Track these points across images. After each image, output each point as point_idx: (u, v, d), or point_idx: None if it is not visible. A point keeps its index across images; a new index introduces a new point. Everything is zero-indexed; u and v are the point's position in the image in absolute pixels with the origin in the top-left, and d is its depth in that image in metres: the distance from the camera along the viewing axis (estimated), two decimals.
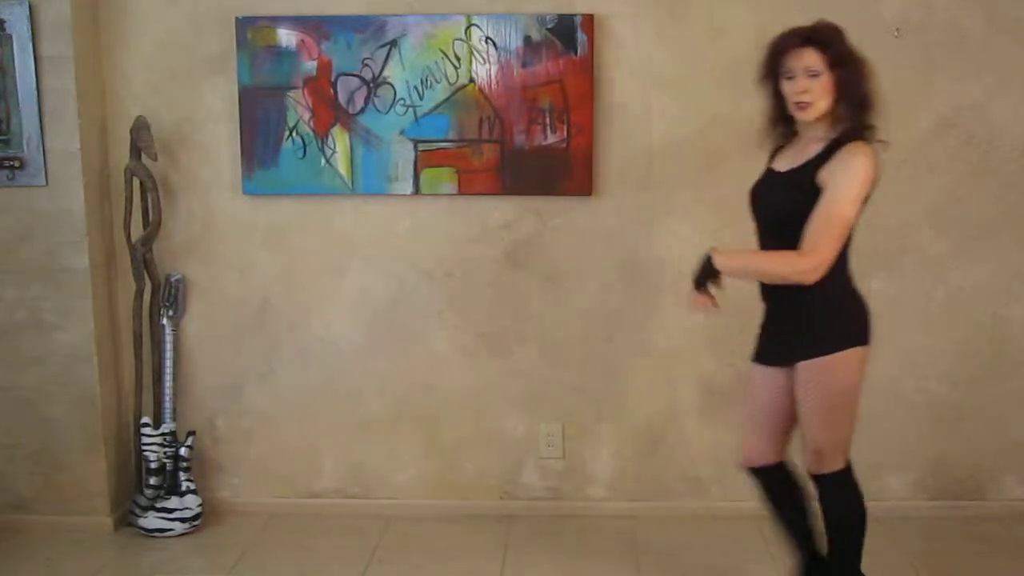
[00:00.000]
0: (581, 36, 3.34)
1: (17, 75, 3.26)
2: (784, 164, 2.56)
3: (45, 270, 3.37)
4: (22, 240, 3.36)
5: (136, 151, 3.40)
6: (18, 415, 3.45)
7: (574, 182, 3.42)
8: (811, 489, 2.72)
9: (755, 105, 3.37)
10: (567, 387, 3.58)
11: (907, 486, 3.60)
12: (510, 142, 3.41)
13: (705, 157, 3.44)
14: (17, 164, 3.30)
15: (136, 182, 3.43)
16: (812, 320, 2.49)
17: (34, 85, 3.26)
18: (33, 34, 3.23)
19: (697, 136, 3.43)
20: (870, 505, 3.64)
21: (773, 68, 2.50)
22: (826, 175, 2.39)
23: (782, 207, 2.49)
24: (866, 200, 2.44)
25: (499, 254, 3.52)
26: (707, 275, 2.57)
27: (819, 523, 2.71)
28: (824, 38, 2.43)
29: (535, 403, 3.60)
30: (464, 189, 3.45)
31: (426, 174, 3.45)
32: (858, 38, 3.33)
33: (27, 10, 3.21)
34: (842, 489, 2.62)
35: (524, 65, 3.37)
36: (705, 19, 3.39)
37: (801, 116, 2.46)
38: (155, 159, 3.41)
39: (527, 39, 3.36)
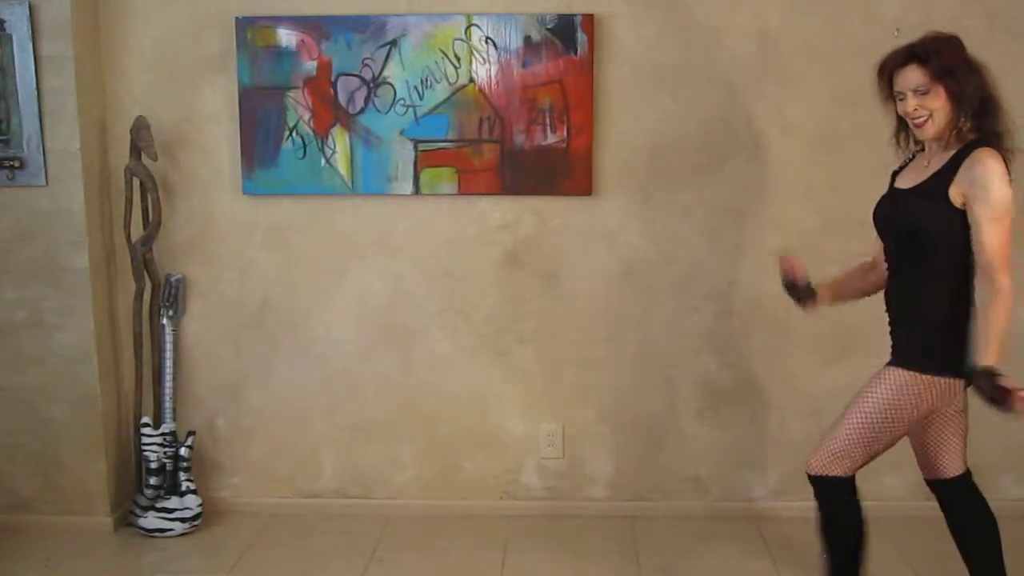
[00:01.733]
0: (581, 36, 3.34)
1: (17, 75, 3.25)
2: (908, 181, 2.51)
3: (45, 270, 3.37)
4: (22, 240, 3.36)
5: (136, 151, 3.40)
6: (18, 415, 3.45)
7: (574, 182, 3.42)
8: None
9: (755, 105, 3.40)
10: (567, 387, 3.58)
11: (907, 486, 3.59)
12: (510, 142, 3.41)
13: (705, 157, 3.44)
14: (17, 164, 3.30)
15: (136, 182, 3.43)
16: (928, 334, 2.45)
17: (34, 85, 3.25)
18: (33, 34, 3.23)
19: (697, 136, 3.43)
20: (870, 505, 3.65)
21: (887, 91, 2.47)
22: (963, 191, 2.33)
23: (913, 221, 2.43)
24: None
25: (499, 254, 3.52)
26: (997, 393, 2.32)
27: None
28: (925, 51, 2.38)
29: (535, 403, 3.60)
30: (464, 189, 3.45)
31: (426, 174, 3.45)
32: (858, 38, 3.36)
33: (27, 10, 3.21)
34: (838, 495, 2.61)
35: (524, 65, 3.37)
36: (705, 19, 3.39)
37: (921, 134, 2.43)
38: (155, 159, 3.41)
39: (527, 39, 3.36)
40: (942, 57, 2.37)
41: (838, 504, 2.63)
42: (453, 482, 3.66)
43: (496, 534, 3.47)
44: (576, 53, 3.35)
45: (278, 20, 3.40)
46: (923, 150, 2.54)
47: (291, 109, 3.43)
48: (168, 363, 3.52)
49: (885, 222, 2.56)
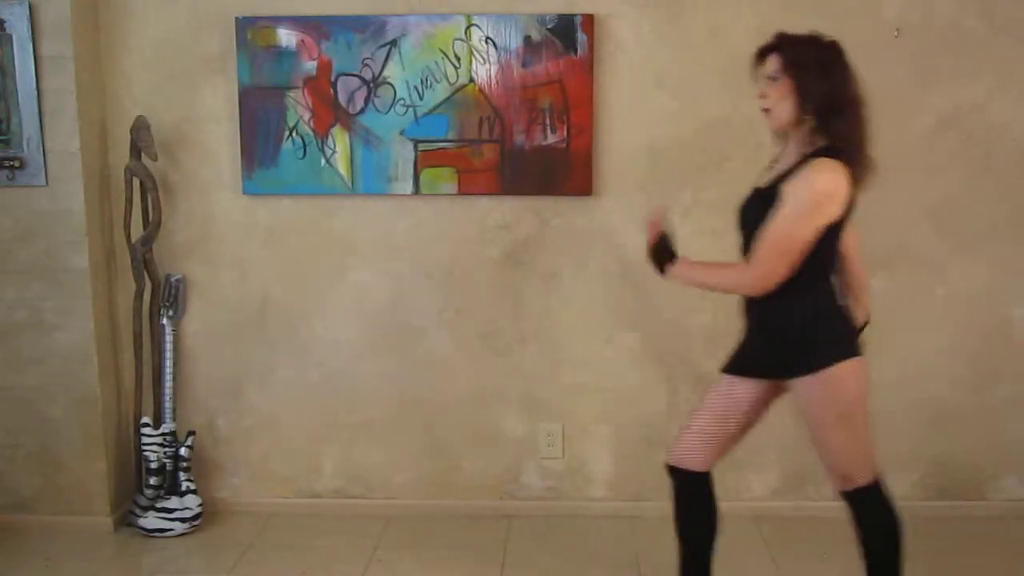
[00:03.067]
0: (581, 36, 3.34)
1: (17, 75, 3.26)
2: (764, 180, 2.52)
3: (45, 270, 3.37)
4: (22, 240, 3.36)
5: (136, 151, 3.40)
6: (18, 415, 3.45)
7: (574, 182, 3.42)
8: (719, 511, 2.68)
9: (755, 106, 3.39)
10: (567, 387, 3.58)
11: (907, 486, 3.60)
12: (510, 142, 3.41)
13: (705, 157, 3.44)
14: (17, 164, 3.30)
15: (136, 182, 3.43)
16: (804, 335, 2.44)
17: (34, 85, 3.26)
18: (33, 34, 3.23)
19: (697, 136, 3.43)
20: None
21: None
22: (787, 189, 2.34)
23: (753, 223, 2.44)
24: (837, 223, 2.38)
25: (499, 254, 3.52)
26: (659, 269, 2.56)
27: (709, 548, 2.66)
28: (786, 42, 2.38)
29: (535, 403, 3.60)
30: (464, 189, 3.45)
31: (426, 174, 3.45)
32: (858, 38, 3.35)
33: (27, 10, 3.21)
34: (871, 504, 2.57)
35: (524, 65, 3.37)
36: (705, 19, 3.39)
37: (769, 124, 2.43)
38: (155, 159, 3.41)
39: (527, 39, 3.36)
40: (798, 52, 2.36)
41: (881, 506, 2.61)
42: (453, 482, 3.66)
43: (496, 534, 3.47)
44: (576, 53, 3.35)
45: (278, 20, 3.40)
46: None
47: (291, 109, 3.43)
48: (168, 363, 3.52)
49: (739, 221, 2.55)
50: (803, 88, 2.34)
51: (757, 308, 2.51)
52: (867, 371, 2.49)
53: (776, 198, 2.36)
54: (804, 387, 2.46)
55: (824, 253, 2.41)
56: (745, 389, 2.58)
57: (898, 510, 2.61)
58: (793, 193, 2.32)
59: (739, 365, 2.60)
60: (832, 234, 2.40)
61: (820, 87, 2.33)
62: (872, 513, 2.58)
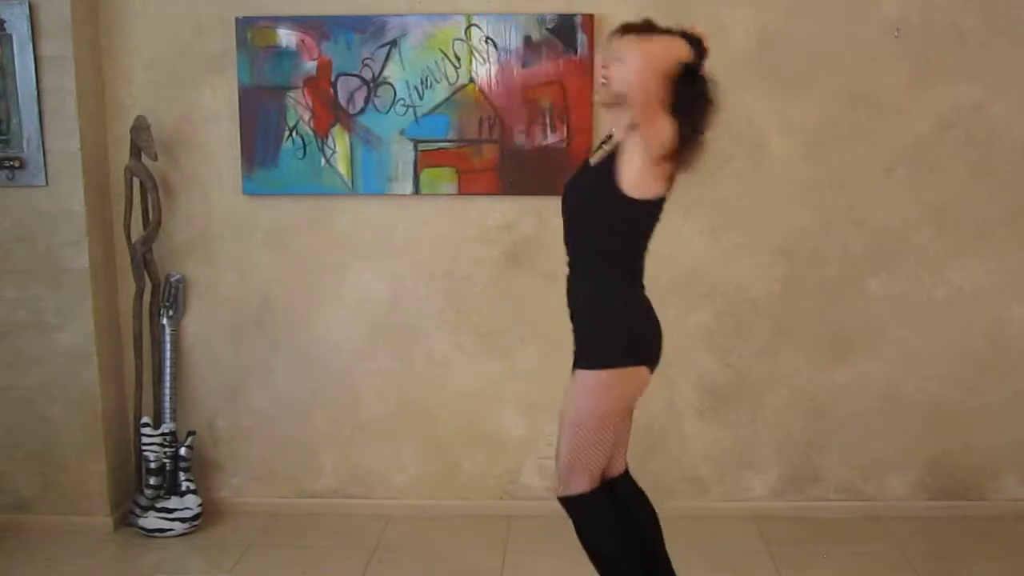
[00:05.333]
0: (581, 36, 3.34)
1: (17, 75, 3.26)
2: (595, 158, 2.48)
3: (45, 270, 3.37)
4: (22, 240, 3.36)
5: (136, 151, 3.40)
6: (18, 415, 3.45)
7: None
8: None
9: (755, 106, 3.39)
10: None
11: (907, 486, 3.60)
12: (510, 142, 3.41)
13: (705, 157, 3.43)
14: (17, 164, 3.30)
15: (136, 182, 3.43)
16: (603, 326, 2.41)
17: (34, 85, 3.26)
18: (33, 34, 3.23)
19: None
20: (870, 505, 3.66)
21: None
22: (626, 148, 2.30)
23: (582, 202, 2.42)
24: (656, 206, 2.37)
25: (499, 254, 3.52)
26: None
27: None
28: (636, 26, 2.33)
29: (535, 403, 3.60)
30: (464, 189, 3.45)
31: (426, 174, 3.45)
32: (858, 38, 3.36)
33: (27, 10, 3.21)
34: (586, 513, 2.48)
35: (524, 65, 3.37)
36: (705, 19, 3.36)
37: (597, 98, 2.39)
38: (155, 159, 3.41)
39: (527, 39, 3.36)
40: (642, 33, 2.32)
41: (592, 517, 2.49)
42: (453, 482, 3.66)
43: (496, 534, 3.47)
44: (576, 53, 3.35)
45: (278, 20, 3.40)
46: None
47: (291, 109, 3.43)
48: (168, 363, 3.52)
49: (565, 198, 2.50)
50: (627, 76, 2.28)
51: (584, 292, 2.47)
52: (629, 382, 2.43)
53: (609, 180, 2.31)
54: (583, 378, 2.42)
55: (637, 236, 2.39)
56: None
57: (613, 525, 2.51)
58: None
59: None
60: (645, 218, 2.36)
61: (647, 83, 2.25)
62: (592, 518, 2.49)
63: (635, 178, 2.31)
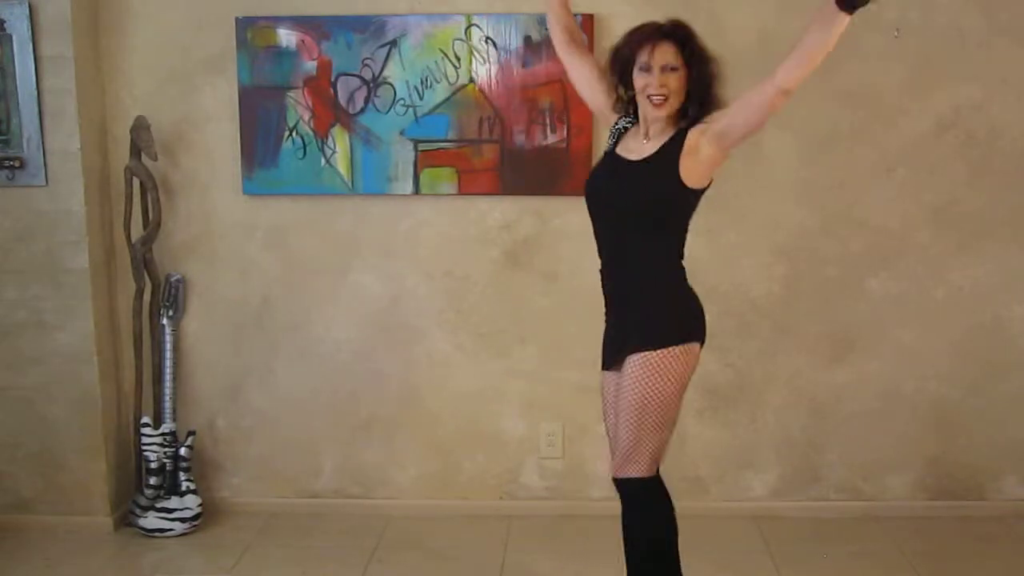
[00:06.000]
0: (581, 36, 3.33)
1: (17, 75, 3.25)
2: (632, 153, 2.47)
3: (45, 270, 3.37)
4: (22, 240, 3.36)
5: (136, 151, 3.40)
6: (18, 415, 3.45)
7: (574, 182, 3.41)
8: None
9: None
10: (567, 387, 3.58)
11: (907, 486, 3.60)
12: (510, 142, 3.41)
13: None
14: (17, 164, 3.30)
15: (136, 182, 3.43)
16: (664, 307, 2.47)
17: (34, 85, 3.25)
18: (33, 34, 3.23)
19: None
20: (870, 505, 3.67)
21: (627, 58, 2.43)
22: (706, 137, 2.34)
23: (640, 197, 2.43)
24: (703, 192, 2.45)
25: (499, 254, 3.52)
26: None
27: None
28: (683, 34, 2.39)
29: (535, 403, 3.60)
30: (464, 189, 3.45)
31: (426, 174, 3.45)
32: (858, 38, 3.36)
33: (27, 10, 3.21)
34: (645, 496, 2.51)
35: (524, 65, 3.37)
36: (705, 19, 3.38)
37: (655, 112, 2.40)
38: (155, 159, 3.41)
39: (527, 39, 3.36)
40: (694, 44, 2.39)
41: (650, 500, 2.52)
42: (453, 482, 3.66)
43: (496, 534, 3.47)
44: None
45: (278, 20, 3.40)
46: (632, 124, 2.52)
47: (291, 109, 3.43)
48: (168, 363, 3.52)
49: (604, 197, 2.51)
50: (700, 85, 2.39)
51: (641, 276, 2.50)
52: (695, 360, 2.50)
53: (671, 172, 2.36)
54: (646, 359, 2.44)
55: (687, 224, 2.48)
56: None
57: (672, 513, 2.53)
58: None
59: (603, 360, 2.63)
60: (696, 204, 2.46)
61: (713, 87, 2.40)
62: (647, 505, 2.53)
63: (704, 170, 2.39)
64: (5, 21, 3.23)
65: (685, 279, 2.53)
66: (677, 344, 2.43)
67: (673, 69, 2.37)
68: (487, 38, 3.37)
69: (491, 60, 3.38)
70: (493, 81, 3.39)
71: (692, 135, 2.36)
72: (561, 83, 3.36)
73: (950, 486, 3.59)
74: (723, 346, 3.52)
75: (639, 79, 2.41)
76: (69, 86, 3.27)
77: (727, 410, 3.58)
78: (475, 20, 3.36)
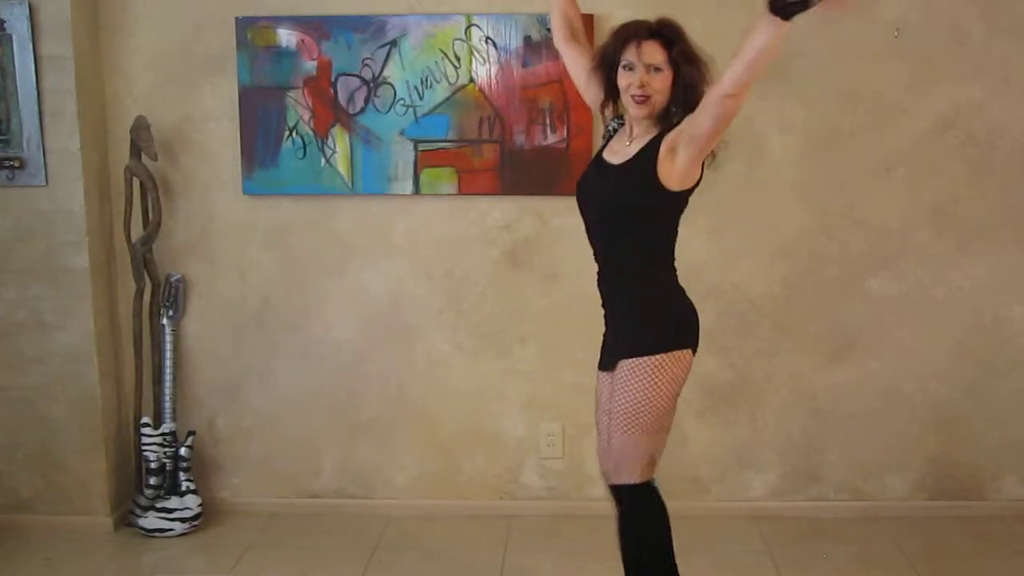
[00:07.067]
0: (582, 29, 3.33)
1: (17, 75, 3.25)
2: (615, 156, 2.45)
3: (45, 270, 3.37)
4: (22, 240, 3.36)
5: (136, 151, 3.40)
6: (18, 415, 3.45)
7: (574, 182, 3.35)
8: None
9: (755, 106, 3.39)
10: (567, 387, 3.58)
11: (907, 486, 3.60)
12: (510, 142, 3.41)
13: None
14: (17, 164, 3.30)
15: (136, 182, 3.43)
16: (653, 311, 2.44)
17: (34, 85, 3.25)
18: (33, 34, 3.23)
19: None
20: (870, 505, 3.67)
21: (612, 57, 2.40)
22: (674, 142, 2.28)
23: (619, 201, 2.41)
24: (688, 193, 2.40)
25: (499, 254, 3.52)
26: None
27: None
28: (671, 34, 2.35)
29: (535, 403, 3.60)
30: (464, 189, 3.45)
31: (426, 174, 3.45)
32: (858, 38, 3.36)
33: (27, 10, 3.21)
34: (640, 500, 2.50)
35: (524, 65, 3.37)
36: (704, 19, 3.38)
37: (636, 112, 2.36)
38: (155, 159, 3.41)
39: (527, 39, 3.36)
40: (683, 44, 2.35)
41: (646, 504, 2.51)
42: (453, 482, 3.66)
43: (496, 534, 3.47)
44: None
45: (278, 20, 3.40)
46: (623, 125, 2.49)
47: (291, 109, 3.43)
48: (168, 363, 3.52)
49: (593, 198, 2.49)
50: (686, 87, 2.34)
51: (627, 280, 2.48)
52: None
53: (646, 173, 2.32)
54: (637, 364, 2.42)
55: (675, 225, 2.45)
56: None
57: (666, 514, 2.51)
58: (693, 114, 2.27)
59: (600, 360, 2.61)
60: (683, 205, 2.43)
61: (699, 89, 2.33)
62: (645, 507, 2.51)
63: (682, 174, 2.34)
64: (5, 21, 3.23)
65: (676, 282, 2.50)
66: (665, 351, 2.40)
67: (658, 69, 2.33)
68: (487, 38, 3.37)
69: (491, 60, 3.38)
70: (493, 81, 3.39)
71: (669, 138, 2.32)
72: (561, 83, 3.36)
73: (950, 486, 3.59)
74: (723, 346, 3.53)
75: (623, 78, 2.38)
76: (69, 86, 3.27)
77: (727, 410, 3.58)
78: (475, 20, 3.36)
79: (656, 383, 2.40)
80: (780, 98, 3.39)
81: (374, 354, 3.59)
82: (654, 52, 2.33)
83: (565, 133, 3.39)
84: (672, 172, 2.33)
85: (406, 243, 3.53)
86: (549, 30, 3.31)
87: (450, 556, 3.31)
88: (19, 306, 3.40)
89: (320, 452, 3.66)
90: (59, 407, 3.44)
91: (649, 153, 2.35)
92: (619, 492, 2.52)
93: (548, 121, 3.39)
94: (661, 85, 2.34)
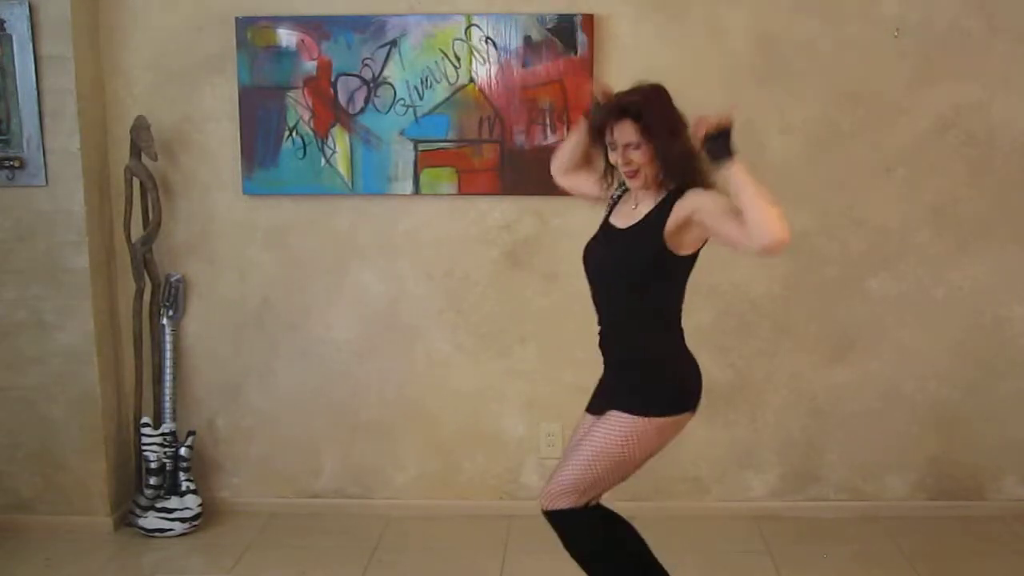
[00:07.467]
0: (581, 36, 3.34)
1: (17, 75, 3.25)
2: (621, 221, 2.48)
3: (45, 270, 3.37)
4: (22, 240, 3.36)
5: (136, 151, 3.40)
6: (18, 415, 3.45)
7: None
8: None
9: (755, 106, 3.39)
10: (567, 387, 3.57)
11: (907, 486, 3.60)
12: (510, 142, 3.41)
13: (705, 158, 3.43)
14: (17, 164, 3.30)
15: (136, 182, 3.43)
16: (648, 375, 2.45)
17: (34, 85, 3.25)
18: (33, 34, 3.23)
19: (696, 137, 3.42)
20: (870, 505, 3.67)
21: (601, 137, 2.44)
22: (682, 217, 2.31)
23: (629, 264, 2.42)
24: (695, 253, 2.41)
25: (499, 254, 3.52)
26: (716, 157, 2.28)
27: None
28: (637, 109, 2.35)
29: (535, 403, 3.60)
30: (464, 189, 3.45)
31: (426, 174, 3.45)
32: (858, 38, 3.36)
33: (27, 10, 3.21)
34: (573, 523, 2.52)
35: (524, 65, 3.37)
36: (705, 19, 3.39)
37: (632, 184, 2.41)
38: (155, 159, 3.41)
39: (527, 39, 3.36)
40: (650, 116, 2.34)
41: (580, 528, 2.53)
42: (453, 482, 3.66)
43: (496, 534, 3.47)
44: (576, 53, 3.35)
45: (278, 20, 3.40)
46: (627, 190, 2.51)
47: (291, 109, 3.43)
48: (168, 363, 3.52)
49: (596, 263, 2.52)
50: (665, 156, 2.34)
51: (627, 341, 2.49)
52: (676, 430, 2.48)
53: (651, 236, 2.34)
54: (620, 418, 2.42)
55: (681, 288, 2.46)
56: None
57: (603, 522, 2.55)
58: (703, 198, 2.30)
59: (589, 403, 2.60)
60: (692, 265, 2.44)
61: (676, 151, 2.34)
62: (580, 529, 2.54)
63: (693, 244, 2.38)
64: (5, 21, 3.23)
65: (682, 344, 2.51)
66: (664, 416, 2.42)
67: (636, 147, 2.35)
68: (487, 38, 3.37)
69: (491, 60, 3.38)
70: (493, 81, 3.39)
71: (680, 209, 2.32)
72: (561, 83, 3.36)
73: (950, 486, 3.59)
74: (723, 346, 3.53)
75: (611, 155, 2.43)
76: (69, 86, 3.27)
77: (727, 410, 3.58)
78: (475, 20, 3.36)
79: (639, 444, 2.41)
80: (780, 98, 3.39)
81: (374, 354, 3.59)
82: (626, 132, 2.35)
83: (565, 133, 3.38)
84: (681, 243, 2.36)
85: (406, 243, 3.53)
86: (549, 30, 3.34)
87: (450, 556, 3.32)
88: (19, 306, 3.40)
89: (320, 452, 3.66)
90: (59, 407, 3.44)
91: (657, 216, 2.36)
92: (552, 517, 2.52)
93: (548, 121, 3.39)
94: (644, 158, 2.35)
